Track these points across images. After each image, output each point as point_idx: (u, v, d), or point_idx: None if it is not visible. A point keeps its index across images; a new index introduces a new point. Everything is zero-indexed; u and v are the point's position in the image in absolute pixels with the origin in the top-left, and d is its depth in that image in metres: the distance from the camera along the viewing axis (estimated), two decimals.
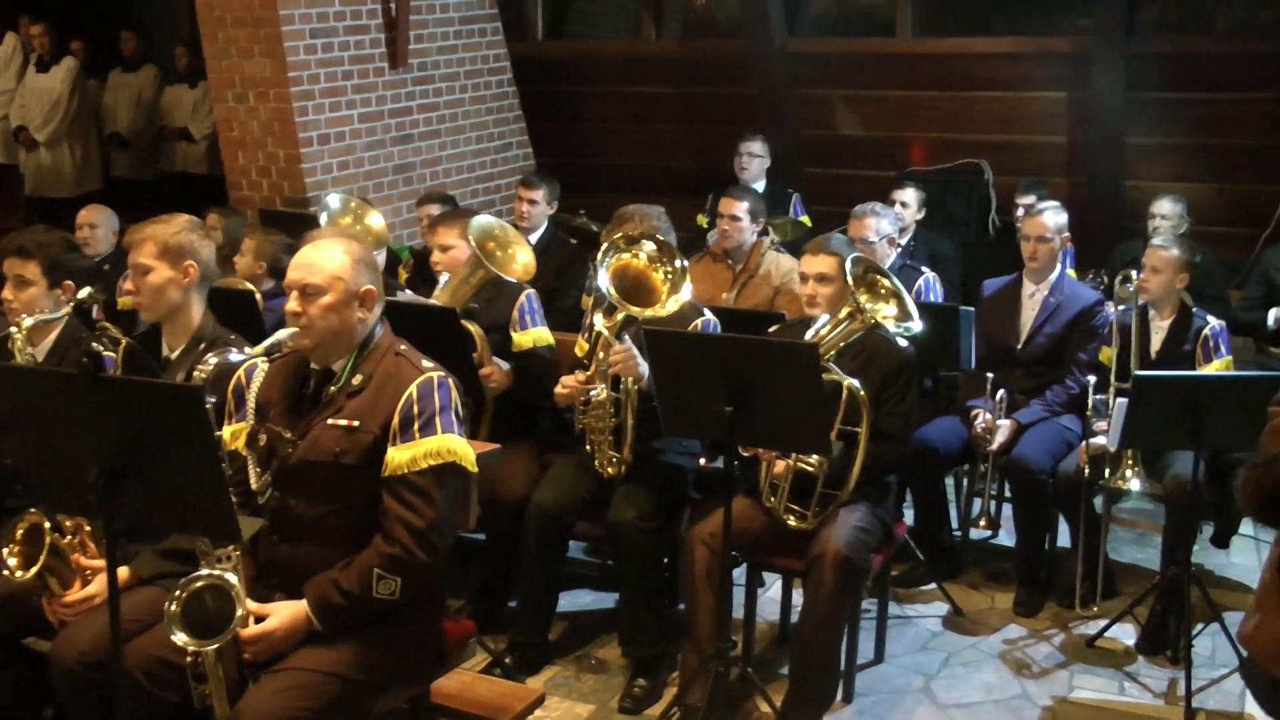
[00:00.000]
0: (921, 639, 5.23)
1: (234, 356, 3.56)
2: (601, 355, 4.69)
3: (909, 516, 5.54)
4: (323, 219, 5.75)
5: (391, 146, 8.36)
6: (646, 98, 9.87)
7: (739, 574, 4.84)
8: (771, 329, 5.04)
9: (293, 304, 3.44)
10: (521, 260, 5.26)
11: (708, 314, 5.00)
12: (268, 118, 7.84)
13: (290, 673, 3.28)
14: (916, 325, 4.49)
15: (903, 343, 4.56)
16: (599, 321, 4.68)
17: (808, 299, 4.69)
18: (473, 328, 5.02)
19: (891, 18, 9.02)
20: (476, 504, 3.86)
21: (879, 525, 4.55)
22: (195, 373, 3.43)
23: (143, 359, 4.02)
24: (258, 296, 5.52)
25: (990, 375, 5.46)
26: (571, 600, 5.43)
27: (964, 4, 9.17)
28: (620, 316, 4.61)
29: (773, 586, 5.46)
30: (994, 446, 5.39)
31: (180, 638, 3.17)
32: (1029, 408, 5.52)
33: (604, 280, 4.55)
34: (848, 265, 4.45)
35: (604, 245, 4.65)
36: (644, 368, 4.60)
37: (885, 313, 4.45)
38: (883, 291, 4.47)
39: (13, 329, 4.15)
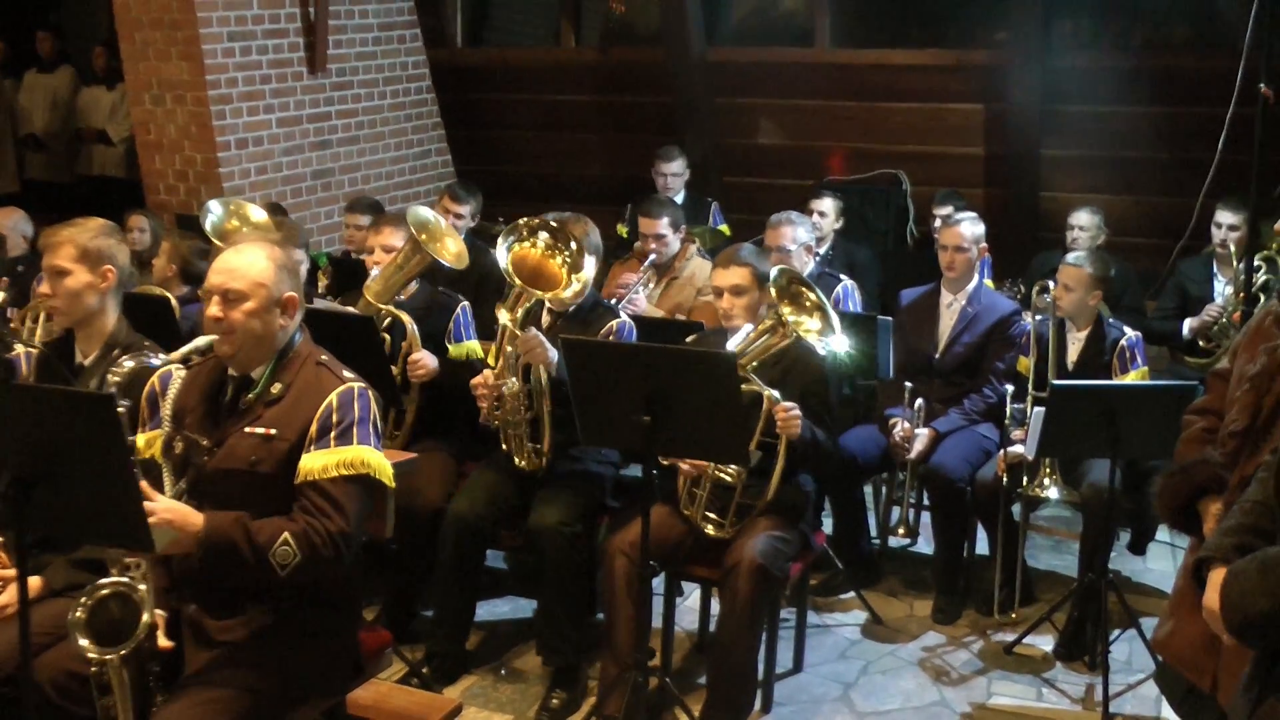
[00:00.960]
0: (840, 647, 5.26)
1: (152, 361, 3.50)
2: (510, 349, 4.69)
3: (827, 525, 5.57)
4: (207, 226, 5.69)
5: (310, 152, 8.31)
6: (565, 105, 9.86)
7: (657, 583, 4.83)
8: (690, 338, 5.07)
9: (214, 309, 3.38)
10: (453, 249, 5.25)
11: (624, 316, 5.01)
12: (185, 121, 7.77)
13: (205, 688, 3.23)
14: (840, 343, 4.50)
15: (820, 351, 4.58)
16: (502, 316, 4.68)
17: (724, 313, 4.70)
18: (403, 316, 5.03)
19: (811, 28, 9.07)
20: (392, 514, 3.82)
21: (796, 534, 4.58)
22: (109, 376, 3.37)
23: (55, 365, 3.94)
24: (173, 303, 5.44)
25: (908, 384, 5.52)
26: (489, 610, 5.41)
27: (883, 15, 9.22)
28: (521, 310, 4.64)
29: (691, 596, 5.46)
30: (912, 455, 5.44)
31: (84, 645, 3.11)
32: (947, 416, 5.58)
33: (504, 264, 4.57)
34: (773, 275, 4.47)
35: (504, 230, 4.67)
36: (553, 354, 4.61)
37: (808, 326, 4.46)
38: (806, 304, 4.48)
39: None
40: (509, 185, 9.49)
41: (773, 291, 4.41)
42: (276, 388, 3.42)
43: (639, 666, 4.22)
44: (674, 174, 7.97)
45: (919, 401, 5.52)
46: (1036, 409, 4.94)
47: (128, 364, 3.41)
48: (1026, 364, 5.50)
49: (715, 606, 5.16)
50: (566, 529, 4.67)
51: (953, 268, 5.71)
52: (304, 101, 8.24)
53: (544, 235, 4.69)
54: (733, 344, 4.51)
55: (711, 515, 4.57)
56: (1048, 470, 5.19)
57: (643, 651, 4.27)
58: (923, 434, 5.48)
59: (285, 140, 8.12)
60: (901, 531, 5.61)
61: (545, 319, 4.93)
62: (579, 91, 9.76)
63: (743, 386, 4.14)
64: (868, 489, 6.10)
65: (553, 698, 4.74)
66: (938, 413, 5.60)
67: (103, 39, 10.60)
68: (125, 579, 3.17)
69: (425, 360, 5.02)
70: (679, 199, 7.74)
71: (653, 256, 6.33)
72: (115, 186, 10.04)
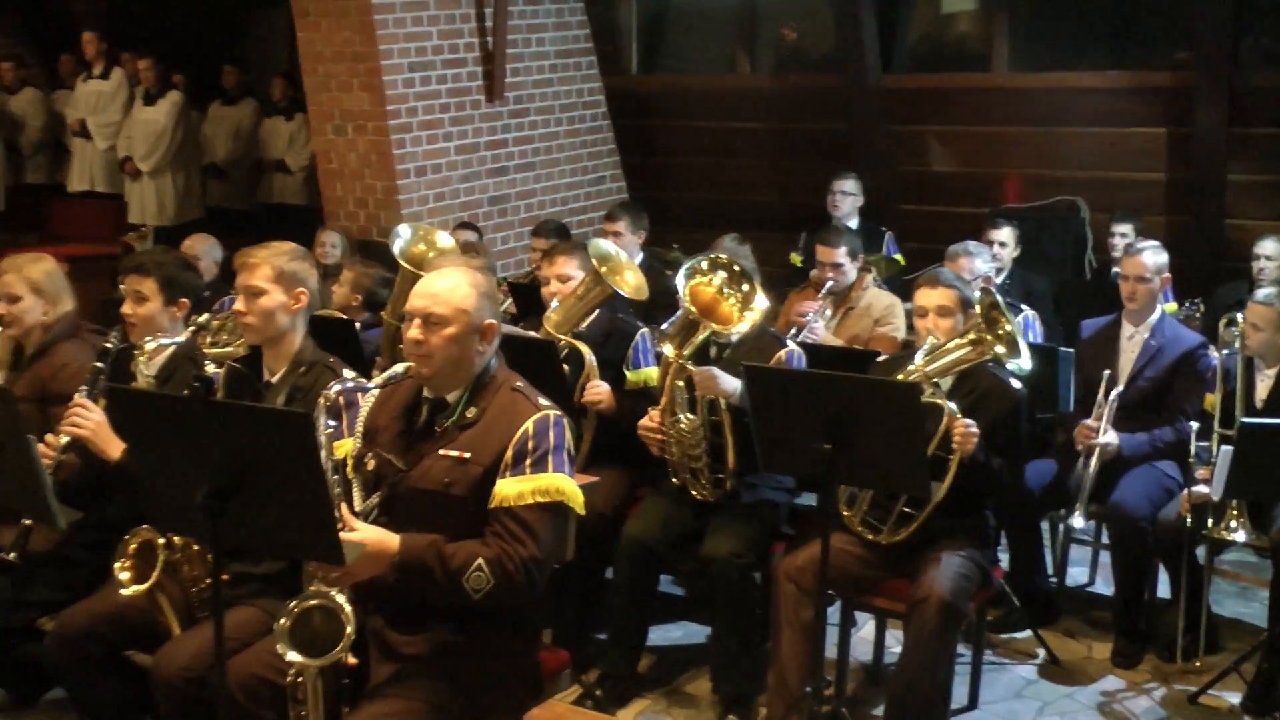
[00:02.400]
0: (1016, 686, 5.13)
1: (367, 385, 3.59)
2: (681, 384, 4.71)
3: (1004, 560, 5.45)
4: (396, 249, 5.81)
5: (487, 179, 8.46)
6: (738, 132, 9.89)
7: (831, 612, 4.79)
8: (877, 360, 5.02)
9: (415, 332, 3.43)
10: (633, 282, 5.29)
11: (791, 345, 4.99)
12: (365, 150, 7.98)
13: (390, 700, 3.30)
14: (1026, 362, 4.43)
15: (1015, 384, 4.52)
16: (667, 350, 4.71)
17: (927, 333, 4.65)
18: (582, 347, 5.07)
19: (986, 52, 8.96)
20: (573, 538, 3.86)
21: (977, 570, 4.49)
22: (320, 401, 3.46)
23: (247, 381, 4.08)
24: (356, 326, 5.58)
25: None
26: (661, 634, 5.41)
27: (1060, 37, 9.04)
28: (691, 347, 4.68)
29: (865, 626, 5.39)
30: (1100, 440, 5.20)
31: (288, 654, 3.19)
32: (1133, 436, 5.34)
33: (682, 297, 4.63)
34: (975, 294, 4.43)
35: (686, 264, 4.75)
36: (730, 384, 4.61)
37: (998, 350, 4.41)
38: (1000, 333, 4.42)
39: (136, 351, 4.24)
40: (682, 211, 9.55)
41: (976, 308, 4.35)
42: (472, 412, 3.46)
43: (815, 696, 4.18)
44: (845, 192, 7.93)
45: (1114, 393, 5.29)
46: (1223, 448, 4.72)
47: (335, 388, 3.49)
48: (1212, 401, 5.30)
49: (889, 638, 5.13)
50: (740, 560, 4.65)
51: (1134, 299, 5.52)
52: (482, 129, 8.40)
53: (721, 274, 4.73)
54: (920, 355, 4.46)
55: (871, 520, 4.52)
56: (1234, 512, 4.93)
57: (819, 680, 4.23)
58: (1110, 435, 5.25)
59: (463, 167, 8.28)
60: (1078, 512, 5.31)
61: (711, 350, 4.94)
62: (752, 118, 9.79)
63: (923, 397, 4.09)
64: (1044, 525, 5.96)
65: None
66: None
67: (283, 71, 10.95)
68: (332, 593, 3.25)
69: (603, 392, 5.06)
70: (852, 224, 7.70)
71: (830, 284, 6.29)
72: (293, 213, 10.34)
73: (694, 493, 4.83)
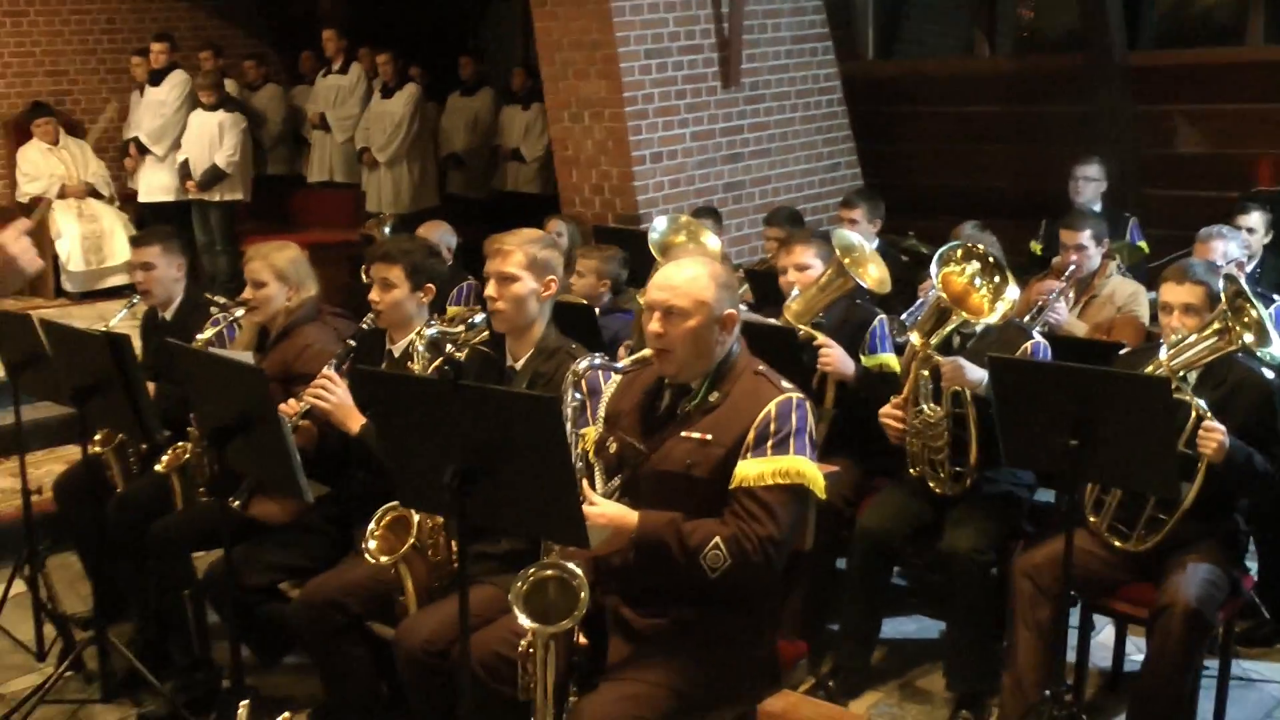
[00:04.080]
0: (1266, 705, 4.87)
1: (617, 365, 3.64)
2: (926, 374, 4.62)
3: (1253, 569, 5.18)
4: (652, 238, 5.83)
5: (722, 165, 8.46)
6: (977, 116, 9.66)
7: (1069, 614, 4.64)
8: (1119, 355, 4.84)
9: (655, 325, 3.46)
10: (875, 274, 5.23)
11: (1037, 336, 4.85)
12: (602, 137, 8.05)
13: (629, 682, 3.33)
14: (1278, 349, 4.21)
15: (1268, 374, 4.30)
16: (914, 338, 4.63)
17: (1172, 331, 4.45)
18: (819, 336, 5.02)
19: (1239, 24, 8.53)
20: (813, 526, 3.83)
21: (1226, 579, 4.26)
22: (569, 374, 3.53)
23: (494, 364, 4.17)
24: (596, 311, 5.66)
25: None
26: (895, 627, 5.34)
27: None
28: (939, 337, 4.59)
29: (1103, 630, 5.21)
30: None
31: (523, 619, 3.25)
32: None
33: (935, 285, 4.55)
34: (1220, 284, 4.22)
35: (939, 251, 4.67)
36: (976, 374, 4.50)
37: (1246, 339, 4.19)
38: (1246, 320, 4.21)
39: (414, 337, 4.40)
40: (918, 198, 9.37)
41: (1222, 297, 4.17)
42: (714, 396, 3.48)
43: (1054, 700, 4.06)
44: (1088, 178, 7.66)
45: None
46: None
47: (583, 364, 3.55)
48: None
49: (1130, 645, 4.94)
50: (979, 556, 4.55)
51: None
52: (717, 115, 8.39)
53: (974, 264, 4.64)
54: (1165, 351, 4.28)
55: (1120, 526, 4.34)
56: None
57: (1056, 683, 4.11)
58: None
59: (698, 154, 8.30)
60: None
61: (955, 340, 4.84)
62: (991, 102, 9.55)
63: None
64: None
65: None
66: None
67: (520, 61, 11.14)
68: (570, 566, 3.30)
69: (834, 354, 4.96)
70: (1095, 210, 7.44)
71: (1072, 268, 6.10)
72: (528, 201, 10.51)
73: (933, 485, 4.74)
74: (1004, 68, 9.59)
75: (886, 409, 4.77)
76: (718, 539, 3.31)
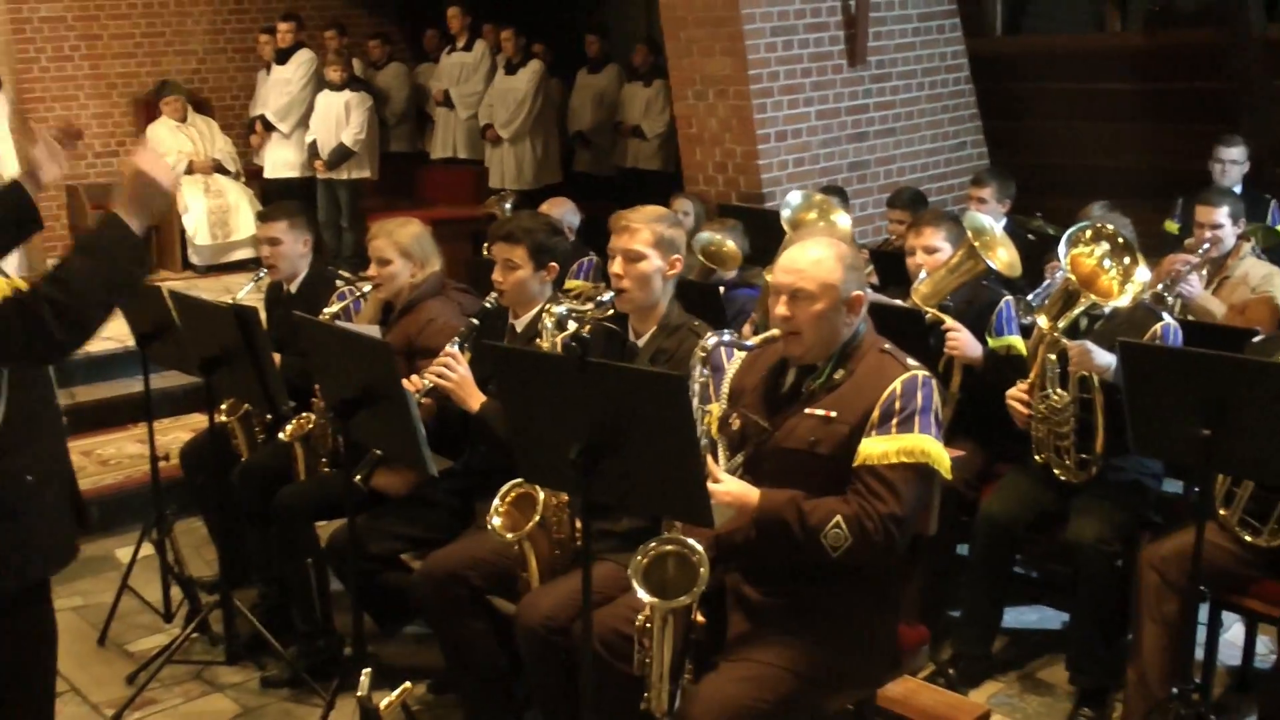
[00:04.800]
0: None
1: (745, 343, 3.62)
2: (1053, 358, 4.52)
3: None
4: (785, 216, 5.77)
5: (847, 144, 8.37)
6: (1107, 94, 9.42)
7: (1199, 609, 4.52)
8: (1251, 342, 4.70)
9: (781, 308, 3.45)
10: (1005, 258, 5.14)
11: (1168, 319, 4.71)
12: (726, 115, 8.00)
13: (748, 664, 3.31)
14: None
15: None
16: (1041, 321, 4.54)
17: None
18: (946, 319, 4.96)
19: None
20: (937, 509, 3.77)
21: None
22: (697, 350, 3.52)
23: (618, 340, 4.16)
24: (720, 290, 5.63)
25: None
26: (1016, 616, 5.24)
27: None
28: (1066, 320, 4.49)
29: (1231, 628, 5.05)
30: None
31: (641, 593, 3.25)
32: None
33: (1064, 267, 4.45)
34: None
35: (1068, 232, 4.55)
36: (1104, 359, 4.39)
37: None
38: None
39: (542, 314, 4.37)
40: (1045, 178, 9.16)
41: None
42: (839, 374, 3.45)
43: (1181, 699, 3.95)
44: (1233, 161, 7.43)
45: None
46: None
47: (711, 340, 3.53)
48: None
49: (1260, 644, 4.81)
50: (1105, 546, 4.43)
51: None
52: (843, 94, 8.30)
53: (1104, 244, 4.52)
54: None
55: (1251, 520, 4.20)
56: None
57: (1183, 680, 4.00)
58: None
59: (823, 133, 8.22)
60: None
61: (1083, 323, 4.72)
62: (1122, 78, 9.30)
63: None
64: None
65: (1080, 716, 4.54)
66: None
67: (644, 38, 11.13)
68: (691, 541, 3.29)
69: (962, 338, 4.91)
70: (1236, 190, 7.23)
71: (1206, 246, 5.93)
72: (650, 178, 10.50)
73: (1058, 472, 4.64)
74: (1135, 43, 9.32)
75: (1012, 392, 4.68)
76: (839, 517, 3.28)
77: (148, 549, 5.44)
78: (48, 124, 3.59)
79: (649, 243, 4.03)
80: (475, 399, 4.30)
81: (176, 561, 5.37)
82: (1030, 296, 5.41)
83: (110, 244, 3.02)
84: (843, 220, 5.80)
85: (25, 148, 3.57)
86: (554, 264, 4.57)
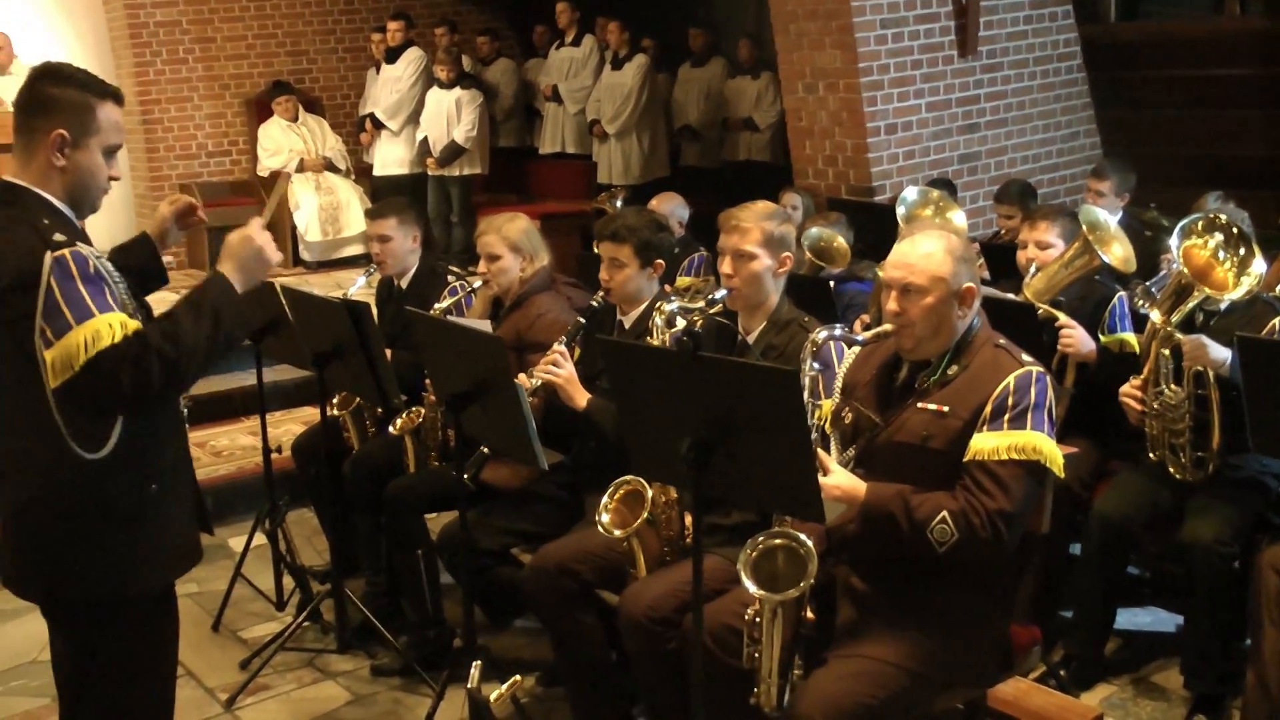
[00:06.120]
0: None
1: (856, 337, 3.61)
2: (1167, 353, 4.43)
3: None
4: (900, 212, 5.72)
5: (957, 136, 8.27)
6: (1225, 80, 9.15)
7: None
8: None
9: (892, 303, 3.43)
10: (1120, 253, 5.06)
11: None
12: (836, 108, 7.97)
13: (859, 660, 3.29)
14: None
15: None
16: (1154, 315, 4.44)
17: None
18: (1059, 315, 4.88)
19: None
20: (1049, 508, 3.71)
21: None
22: (808, 344, 3.52)
23: (729, 335, 4.15)
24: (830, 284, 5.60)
25: None
26: (1129, 618, 5.14)
27: None
28: (1180, 314, 4.39)
29: None
30: None
31: (750, 586, 3.24)
32: None
33: (1176, 259, 4.37)
34: None
35: (1181, 223, 4.47)
36: (1220, 353, 4.29)
37: None
38: None
39: (653, 311, 4.35)
40: (1160, 167, 8.93)
41: None
42: (953, 370, 3.43)
43: None
44: None
45: None
46: None
47: (822, 334, 3.53)
48: None
49: None
50: (1222, 548, 4.31)
51: None
52: (953, 85, 8.21)
53: (1218, 236, 4.41)
54: None
55: None
56: None
57: None
58: None
59: (934, 125, 8.14)
60: None
61: (1198, 317, 4.62)
62: (1242, 64, 9.05)
63: None
64: None
65: None
66: None
67: (749, 32, 11.08)
68: (800, 536, 3.28)
69: (1077, 335, 4.83)
70: None
71: None
72: (759, 170, 10.45)
73: (1173, 470, 4.54)
74: (1257, 28, 9.06)
75: (1126, 388, 4.59)
76: (945, 513, 3.25)
77: (260, 538, 5.57)
78: (179, 202, 3.70)
79: (758, 242, 4.02)
80: (581, 396, 4.33)
81: (289, 551, 5.47)
82: (1149, 284, 5.32)
83: (217, 305, 3.13)
84: (959, 218, 5.74)
85: (162, 209, 3.68)
86: (660, 261, 4.57)
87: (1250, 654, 4.21)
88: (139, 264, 3.51)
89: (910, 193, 5.82)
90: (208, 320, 3.07)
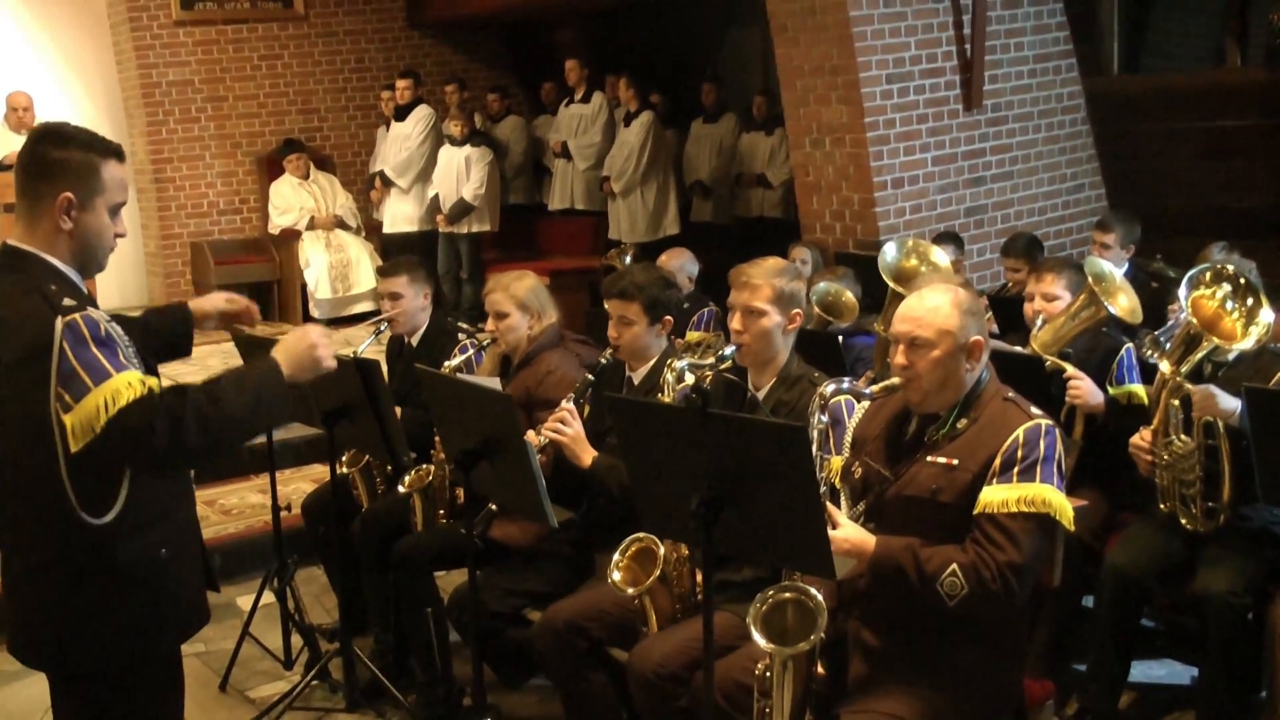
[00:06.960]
0: None
1: (864, 390, 3.62)
2: (1177, 403, 4.43)
3: None
4: (884, 265, 5.74)
5: (963, 189, 8.32)
6: (1229, 131, 9.21)
7: None
8: None
9: (900, 357, 3.45)
10: (1126, 304, 5.07)
11: None
12: (843, 162, 8.02)
13: (871, 715, 3.28)
14: None
15: None
16: (1164, 366, 4.44)
17: None
18: (1067, 366, 4.89)
19: None
20: (1060, 561, 3.71)
21: None
22: (816, 397, 3.53)
23: (739, 391, 4.16)
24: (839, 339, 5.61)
25: None
26: (1143, 671, 5.11)
27: None
28: (1189, 364, 4.38)
29: None
30: None
31: (759, 640, 3.24)
32: None
33: (1185, 309, 4.36)
34: None
35: (1189, 273, 4.47)
36: (1230, 404, 4.29)
37: None
38: None
39: (663, 368, 4.33)
40: (1166, 219, 8.98)
41: None
42: (963, 423, 3.43)
43: None
44: None
45: None
46: None
47: (830, 388, 3.54)
48: None
49: None
50: (1235, 599, 4.29)
51: None
52: (959, 139, 8.27)
53: (1225, 286, 4.43)
54: None
55: None
56: None
57: None
58: None
59: (940, 178, 8.20)
60: None
61: (1206, 368, 4.63)
62: (1245, 115, 9.10)
63: None
64: None
65: None
66: None
67: (759, 88, 11.14)
68: (811, 590, 3.28)
69: (1084, 387, 4.83)
70: None
71: None
72: (769, 226, 10.50)
73: (1184, 521, 4.53)
74: (1258, 78, 9.12)
75: (1135, 439, 4.59)
76: (955, 566, 3.25)
77: (269, 597, 5.55)
78: (238, 303, 3.77)
79: (769, 299, 4.03)
80: (587, 454, 4.33)
81: (297, 609, 5.46)
82: (1157, 333, 5.33)
83: (264, 388, 3.12)
84: (940, 257, 5.72)
85: (218, 301, 3.72)
86: (669, 317, 4.59)
87: (1266, 706, 4.20)
88: (169, 330, 3.53)
89: (889, 250, 5.72)
90: (250, 395, 3.06)
